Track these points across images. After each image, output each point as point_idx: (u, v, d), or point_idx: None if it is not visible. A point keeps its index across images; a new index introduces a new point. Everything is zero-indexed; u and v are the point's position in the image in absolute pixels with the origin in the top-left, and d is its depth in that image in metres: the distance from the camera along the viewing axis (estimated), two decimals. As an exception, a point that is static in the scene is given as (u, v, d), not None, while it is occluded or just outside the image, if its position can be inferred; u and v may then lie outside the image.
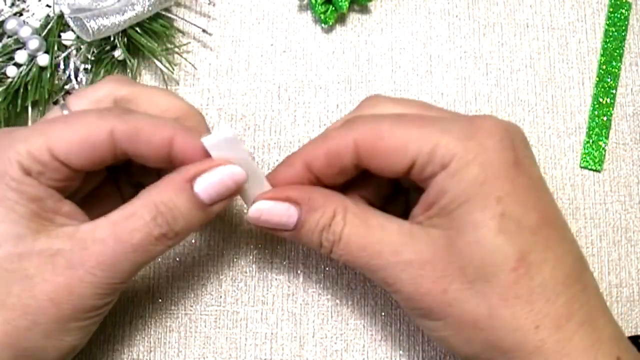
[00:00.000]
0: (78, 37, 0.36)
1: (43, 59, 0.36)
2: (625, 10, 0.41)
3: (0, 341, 0.26)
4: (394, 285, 0.28)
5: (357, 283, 0.36)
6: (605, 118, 0.39)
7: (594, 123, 0.39)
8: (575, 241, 0.28)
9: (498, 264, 0.26)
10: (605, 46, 0.40)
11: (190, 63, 0.39)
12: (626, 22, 0.41)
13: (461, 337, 0.27)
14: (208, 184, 0.28)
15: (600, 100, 0.39)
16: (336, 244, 0.28)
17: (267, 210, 0.29)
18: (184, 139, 0.29)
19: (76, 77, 0.37)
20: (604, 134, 0.39)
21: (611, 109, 0.39)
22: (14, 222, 0.27)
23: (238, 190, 0.29)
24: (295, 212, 0.29)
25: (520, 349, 0.26)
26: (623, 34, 0.40)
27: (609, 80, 0.40)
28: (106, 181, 0.33)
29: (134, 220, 0.27)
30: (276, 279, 0.36)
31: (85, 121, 0.28)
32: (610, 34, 0.40)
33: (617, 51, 0.40)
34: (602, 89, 0.39)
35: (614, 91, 0.40)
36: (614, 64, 0.40)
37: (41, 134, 0.28)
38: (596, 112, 0.39)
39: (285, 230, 0.30)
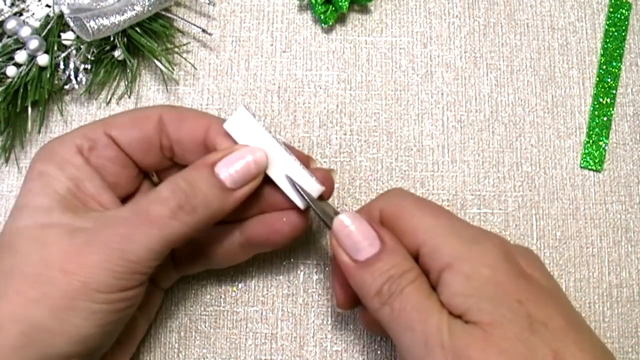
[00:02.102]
0: (78, 37, 0.36)
1: (43, 59, 0.36)
2: (625, 10, 0.41)
3: (9, 313, 0.26)
4: None
5: (357, 283, 0.36)
6: (605, 118, 0.39)
7: (594, 123, 0.39)
8: (603, 345, 0.27)
9: None
10: (605, 46, 0.40)
11: (190, 63, 0.39)
12: (626, 22, 0.41)
13: None
14: (229, 165, 0.29)
15: (600, 100, 0.39)
16: (396, 296, 0.27)
17: (357, 226, 0.28)
18: (218, 128, 0.30)
19: (76, 77, 0.37)
20: (604, 134, 0.39)
21: (611, 109, 0.39)
22: (48, 195, 0.28)
23: (260, 171, 0.29)
24: (378, 246, 0.28)
25: None
26: (623, 34, 0.40)
27: (609, 80, 0.40)
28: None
29: (153, 196, 0.28)
30: (276, 279, 0.36)
31: (139, 109, 0.33)
32: (610, 34, 0.40)
33: (617, 51, 0.40)
34: (602, 89, 0.39)
35: (614, 91, 0.40)
36: (614, 64, 0.40)
37: (99, 120, 0.32)
38: (596, 112, 0.39)
39: (351, 259, 0.28)
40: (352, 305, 0.31)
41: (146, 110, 0.32)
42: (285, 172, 0.30)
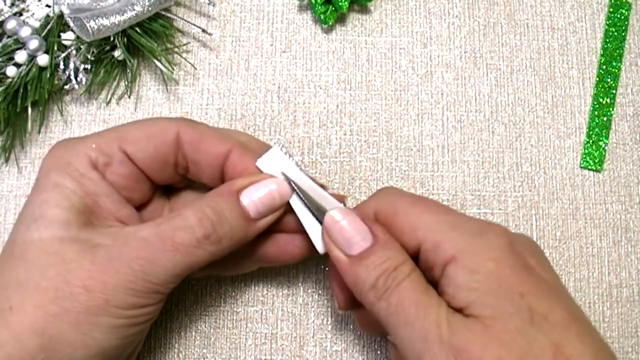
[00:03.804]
0: (78, 37, 0.36)
1: (43, 59, 0.36)
2: (625, 10, 0.41)
3: (28, 326, 0.26)
4: None
5: (357, 283, 0.36)
6: (605, 118, 0.39)
7: (594, 123, 0.39)
8: (603, 339, 0.27)
9: (536, 355, 0.24)
10: (605, 46, 0.40)
11: (190, 63, 0.39)
12: (626, 22, 0.41)
13: None
14: (254, 195, 0.29)
15: (600, 100, 0.39)
16: (392, 290, 0.27)
17: (349, 220, 0.28)
18: (240, 153, 0.30)
19: (76, 77, 0.37)
20: (604, 134, 0.39)
21: (611, 109, 0.39)
22: (66, 208, 0.28)
23: (283, 203, 0.30)
24: (370, 240, 0.28)
25: None
26: (623, 34, 0.40)
27: (609, 80, 0.40)
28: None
29: (178, 220, 0.28)
30: (276, 279, 0.36)
31: (155, 122, 0.31)
32: (610, 34, 0.40)
33: (617, 51, 0.40)
34: (602, 89, 0.39)
35: (614, 91, 0.40)
36: (614, 64, 0.40)
37: (112, 131, 0.30)
38: (596, 112, 0.39)
39: (345, 254, 0.28)
40: (352, 306, 0.31)
41: (162, 124, 0.30)
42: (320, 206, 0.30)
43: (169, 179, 0.32)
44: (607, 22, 0.40)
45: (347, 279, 0.28)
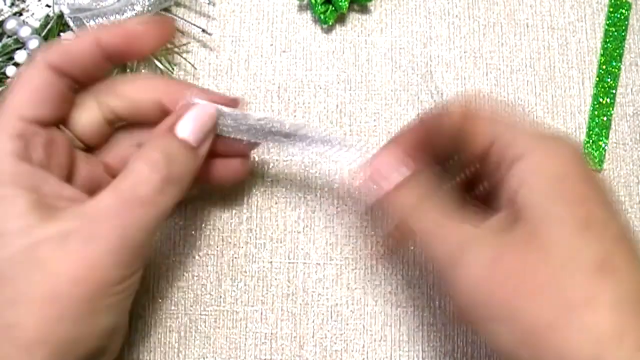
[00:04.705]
0: (78, 37, 0.36)
1: (43, 59, 0.36)
2: (625, 10, 0.41)
3: (32, 339, 0.25)
4: (454, 280, 0.26)
5: (357, 283, 0.36)
6: (605, 118, 0.39)
7: (594, 123, 0.39)
8: None
9: (580, 264, 0.24)
10: (605, 46, 0.40)
11: (190, 63, 0.39)
12: (626, 22, 0.41)
13: (524, 344, 0.24)
14: (188, 125, 0.29)
15: (600, 100, 0.39)
16: (427, 211, 0.29)
17: (384, 157, 0.31)
18: (106, 31, 0.30)
19: (76, 77, 0.37)
20: (604, 134, 0.39)
21: (611, 109, 0.39)
22: (18, 216, 0.26)
23: (213, 125, 0.31)
24: (403, 173, 0.30)
25: None
26: (623, 34, 0.40)
27: (609, 80, 0.40)
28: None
29: (133, 176, 0.27)
30: (276, 279, 0.36)
31: (21, 77, 0.29)
32: (610, 34, 0.40)
33: (617, 51, 0.40)
34: (602, 89, 0.39)
35: (614, 91, 0.40)
36: (614, 64, 0.40)
37: (4, 111, 0.28)
38: (596, 112, 0.39)
39: (384, 189, 0.30)
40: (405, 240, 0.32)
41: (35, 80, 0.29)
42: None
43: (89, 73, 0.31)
44: (607, 22, 0.40)
45: (392, 210, 0.31)
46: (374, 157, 0.31)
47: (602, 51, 0.40)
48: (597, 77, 0.40)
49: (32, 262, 0.26)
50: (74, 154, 0.30)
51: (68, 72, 0.29)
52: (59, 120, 0.30)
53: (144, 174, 0.27)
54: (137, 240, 0.27)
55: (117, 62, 0.31)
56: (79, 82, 0.30)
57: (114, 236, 0.26)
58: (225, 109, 0.31)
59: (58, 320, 0.26)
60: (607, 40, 0.40)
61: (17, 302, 0.26)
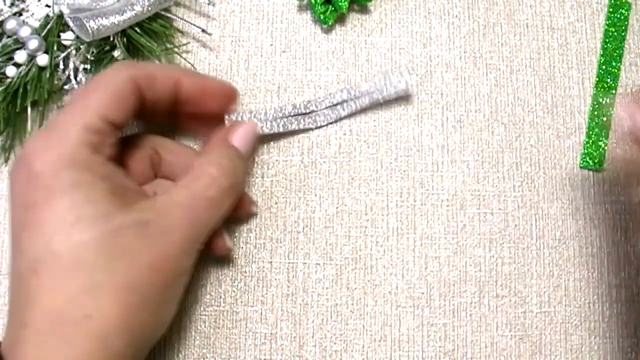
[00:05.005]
0: (77, 37, 0.36)
1: (42, 59, 0.36)
2: (625, 10, 0.41)
3: (112, 329, 0.25)
4: None
5: (357, 283, 0.36)
6: (605, 118, 0.39)
7: (594, 123, 0.39)
8: None
9: None
10: (605, 46, 0.40)
11: (189, 63, 0.39)
12: (626, 22, 0.40)
13: None
14: (240, 137, 0.33)
15: (600, 100, 0.39)
16: None
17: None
18: (189, 77, 0.33)
19: (75, 77, 0.37)
20: (603, 134, 0.39)
21: (611, 109, 0.39)
22: (98, 202, 0.27)
23: (257, 137, 0.35)
24: None
25: None
26: (623, 34, 0.40)
27: (609, 80, 0.40)
28: None
29: (204, 178, 0.30)
30: (275, 279, 0.36)
31: (106, 79, 0.30)
32: (610, 34, 0.40)
33: (617, 51, 0.40)
34: (602, 89, 0.39)
35: (613, 91, 0.39)
36: (614, 64, 0.40)
37: (82, 108, 0.29)
38: (596, 112, 0.39)
39: None
40: None
41: (116, 77, 0.30)
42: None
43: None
44: (607, 22, 0.40)
45: None
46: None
47: (602, 51, 0.40)
48: (597, 77, 0.40)
49: (112, 248, 0.26)
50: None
51: (144, 95, 0.31)
52: (124, 127, 0.31)
53: (215, 178, 0.30)
54: (201, 237, 0.30)
55: (180, 110, 0.33)
56: (143, 106, 0.31)
57: (185, 230, 0.28)
58: (238, 113, 0.36)
59: (140, 308, 0.26)
60: (607, 40, 0.40)
61: (97, 290, 0.25)
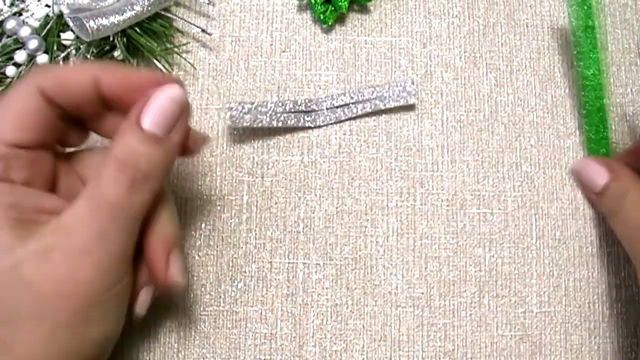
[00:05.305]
0: (77, 37, 0.36)
1: (42, 59, 0.36)
2: (587, 7, 0.40)
3: (36, 356, 0.25)
4: None
5: (357, 283, 0.36)
6: (605, 118, 0.39)
7: (594, 123, 0.39)
8: None
9: None
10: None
11: (189, 63, 0.39)
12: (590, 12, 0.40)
13: None
14: (150, 114, 0.27)
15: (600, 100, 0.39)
16: (619, 213, 0.34)
17: (586, 166, 0.37)
18: (107, 73, 0.28)
19: (76, 77, 0.37)
20: (602, 121, 0.39)
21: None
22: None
23: (181, 105, 0.28)
24: (606, 176, 0.36)
25: None
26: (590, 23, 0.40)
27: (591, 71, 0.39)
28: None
29: (103, 181, 0.26)
30: (275, 279, 0.36)
31: (7, 99, 0.27)
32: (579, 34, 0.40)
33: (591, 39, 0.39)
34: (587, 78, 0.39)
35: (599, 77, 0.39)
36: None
37: None
38: (589, 98, 0.39)
39: (593, 192, 0.37)
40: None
41: (21, 92, 0.28)
42: None
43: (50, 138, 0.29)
44: (573, 25, 0.40)
45: (601, 209, 0.37)
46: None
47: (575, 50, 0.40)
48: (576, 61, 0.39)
49: (16, 282, 0.25)
50: (57, 167, 0.30)
51: (58, 103, 0.28)
52: (46, 144, 0.29)
53: (111, 176, 0.26)
54: (118, 245, 0.26)
55: (114, 110, 0.29)
56: (70, 115, 0.29)
57: (94, 246, 0.26)
58: (239, 104, 0.36)
59: (51, 336, 0.25)
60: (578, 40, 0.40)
61: (9, 323, 0.25)
